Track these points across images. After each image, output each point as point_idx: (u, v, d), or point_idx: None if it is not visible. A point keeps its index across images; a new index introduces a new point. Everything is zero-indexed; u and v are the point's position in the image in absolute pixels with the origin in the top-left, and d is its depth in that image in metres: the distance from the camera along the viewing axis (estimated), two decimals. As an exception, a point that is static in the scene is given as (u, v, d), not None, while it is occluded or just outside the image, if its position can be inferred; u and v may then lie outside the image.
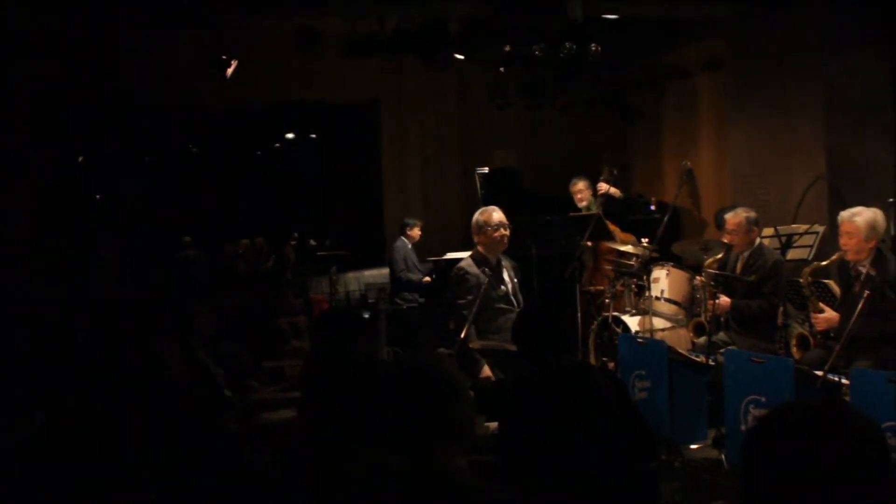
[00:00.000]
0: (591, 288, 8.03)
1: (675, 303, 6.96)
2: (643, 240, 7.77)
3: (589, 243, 7.64)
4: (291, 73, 10.27)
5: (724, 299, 6.04)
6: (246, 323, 9.52)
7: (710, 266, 6.24)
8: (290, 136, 16.18)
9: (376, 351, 6.04)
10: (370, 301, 10.00)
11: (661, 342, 6.09)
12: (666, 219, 7.39)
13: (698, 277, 6.71)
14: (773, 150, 8.09)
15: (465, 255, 6.14)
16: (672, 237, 8.36)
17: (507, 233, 5.75)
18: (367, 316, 8.16)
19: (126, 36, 9.13)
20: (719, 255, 6.34)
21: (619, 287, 7.40)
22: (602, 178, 8.59)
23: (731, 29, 8.54)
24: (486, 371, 5.31)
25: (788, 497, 1.52)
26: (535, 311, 4.13)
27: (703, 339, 6.16)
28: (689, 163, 8.42)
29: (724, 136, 9.13)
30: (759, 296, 6.02)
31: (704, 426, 5.94)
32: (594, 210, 8.17)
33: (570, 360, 3.95)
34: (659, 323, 6.92)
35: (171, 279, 9.97)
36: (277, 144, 16.98)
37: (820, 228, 6.96)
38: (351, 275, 11.04)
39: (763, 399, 5.03)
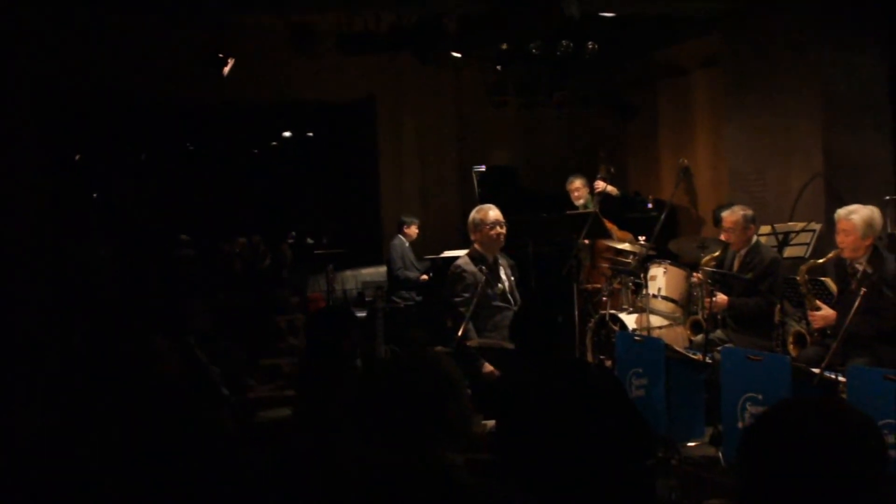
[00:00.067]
0: (589, 286, 8.03)
1: (672, 300, 6.96)
2: (640, 238, 7.78)
3: (586, 241, 7.63)
4: (288, 72, 10.26)
5: (720, 297, 6.05)
6: (243, 321, 9.51)
7: (707, 264, 6.24)
8: (286, 134, 16.15)
9: (373, 349, 6.04)
10: (367, 299, 9.99)
11: (658, 340, 6.09)
12: (663, 216, 7.38)
13: (695, 275, 6.71)
14: (770, 147, 8.09)
15: (462, 253, 6.15)
16: (669, 235, 8.36)
17: (504, 231, 5.75)
18: (363, 314, 8.14)
19: (123, 34, 9.12)
20: (716, 253, 6.34)
21: (616, 285, 7.41)
22: (599, 175, 8.59)
23: (727, 26, 8.54)
24: (488, 367, 5.30)
25: (786, 494, 1.53)
26: (532, 309, 4.13)
27: (700, 337, 6.16)
28: (685, 160, 8.42)
29: (720, 133, 9.13)
30: (756, 293, 6.03)
31: (701, 424, 5.95)
32: (591, 208, 8.17)
33: (568, 357, 3.95)
34: (656, 321, 6.93)
35: (168, 277, 9.95)
36: (274, 142, 16.96)
37: (817, 226, 6.96)
38: (348, 273, 11.03)
39: (760, 396, 5.04)
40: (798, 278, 5.63)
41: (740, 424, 5.15)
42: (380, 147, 11.85)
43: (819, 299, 5.60)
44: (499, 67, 9.78)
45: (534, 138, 11.67)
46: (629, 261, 7.42)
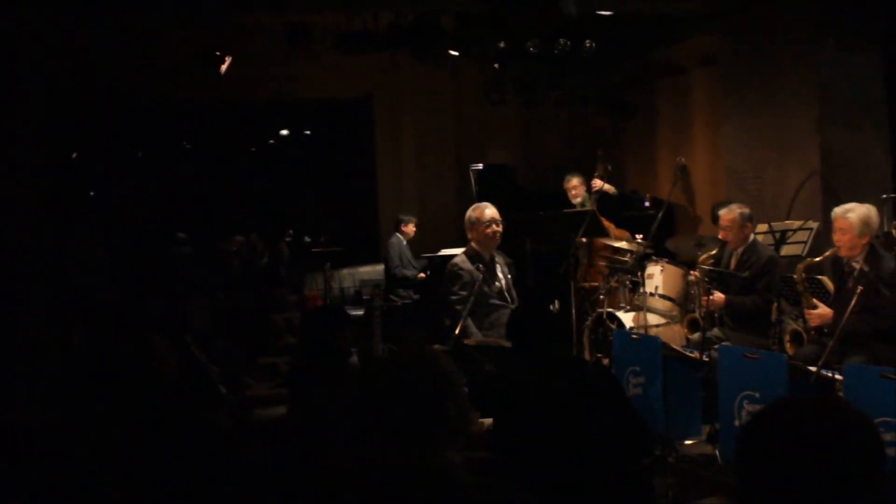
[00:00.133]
0: (586, 284, 8.03)
1: (669, 299, 6.96)
2: (637, 236, 7.78)
3: (583, 239, 7.64)
4: (286, 70, 10.25)
5: (718, 295, 6.06)
6: (240, 319, 9.52)
7: (704, 262, 6.25)
8: (284, 132, 16.15)
9: (371, 347, 6.04)
10: (365, 297, 9.99)
11: (655, 338, 6.09)
12: (660, 215, 7.39)
13: (692, 273, 6.72)
14: (768, 145, 8.10)
15: (459, 251, 6.16)
16: (666, 233, 8.36)
17: (500, 229, 5.75)
18: (360, 313, 8.14)
19: (121, 33, 9.11)
20: (713, 251, 6.35)
21: (613, 283, 7.41)
22: (596, 174, 8.60)
23: (725, 25, 8.54)
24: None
25: (783, 492, 1.53)
26: (530, 308, 4.13)
27: (697, 335, 6.17)
28: (683, 159, 8.43)
29: (718, 132, 9.13)
30: (753, 292, 6.03)
31: (698, 422, 5.95)
32: (588, 206, 8.18)
33: (565, 356, 3.95)
34: (653, 319, 6.93)
35: (166, 276, 9.95)
36: (272, 141, 16.96)
37: (814, 224, 6.97)
38: (345, 271, 11.03)
39: (757, 395, 5.04)
40: (795, 276, 5.63)
41: (737, 423, 5.15)
42: (377, 146, 11.84)
43: (816, 297, 5.61)
44: (497, 66, 9.78)
45: (532, 137, 11.67)
46: (626, 259, 7.42)
